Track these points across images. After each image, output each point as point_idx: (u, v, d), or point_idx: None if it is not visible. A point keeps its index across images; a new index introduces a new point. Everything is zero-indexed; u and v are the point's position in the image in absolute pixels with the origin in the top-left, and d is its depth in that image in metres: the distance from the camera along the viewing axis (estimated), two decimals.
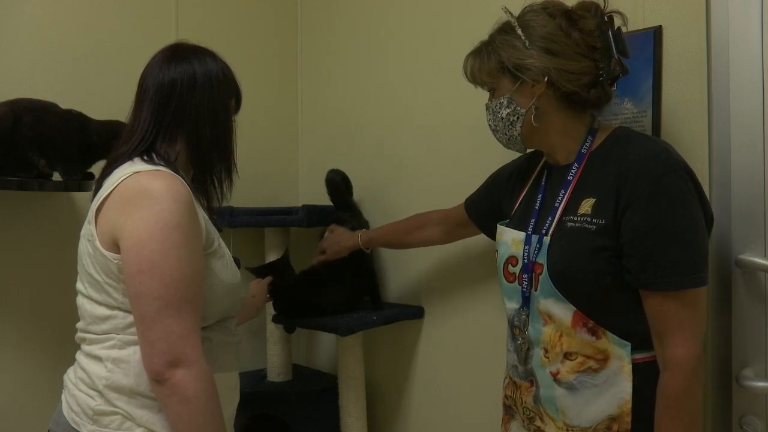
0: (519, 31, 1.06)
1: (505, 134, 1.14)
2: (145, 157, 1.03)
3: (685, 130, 1.23)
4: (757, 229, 1.15)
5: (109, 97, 1.53)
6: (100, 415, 0.97)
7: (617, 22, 1.09)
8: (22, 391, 1.52)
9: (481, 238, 1.60)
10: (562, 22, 1.05)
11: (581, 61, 1.05)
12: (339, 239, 1.65)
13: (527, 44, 1.05)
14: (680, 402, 0.97)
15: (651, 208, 0.97)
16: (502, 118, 1.12)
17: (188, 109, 1.06)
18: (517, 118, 1.10)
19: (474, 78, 1.15)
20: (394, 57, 1.85)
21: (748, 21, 1.15)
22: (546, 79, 1.05)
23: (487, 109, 1.16)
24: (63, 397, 1.05)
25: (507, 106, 1.10)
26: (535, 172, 1.22)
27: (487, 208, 1.38)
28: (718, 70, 1.19)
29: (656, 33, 1.26)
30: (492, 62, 1.09)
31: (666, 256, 0.97)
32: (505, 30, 1.09)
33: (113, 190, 0.97)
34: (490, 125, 1.17)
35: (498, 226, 1.22)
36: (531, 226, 1.12)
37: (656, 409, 0.99)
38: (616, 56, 1.07)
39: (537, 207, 1.15)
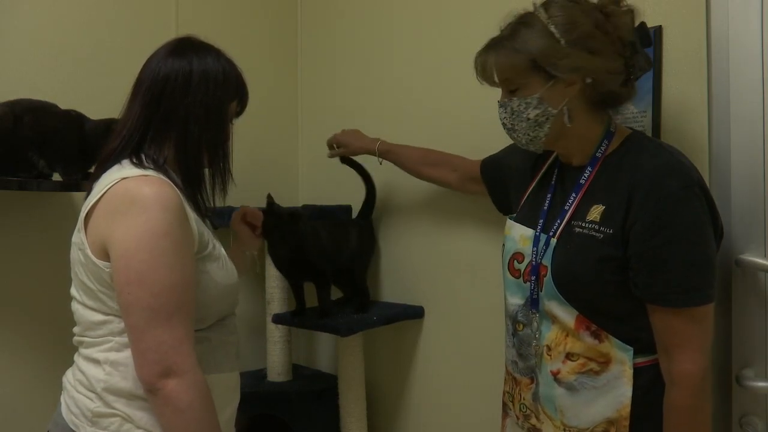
0: (552, 28, 0.99)
1: (528, 134, 1.07)
2: (134, 159, 1.00)
3: (685, 130, 1.23)
4: (757, 229, 1.15)
5: (109, 97, 1.52)
6: (99, 417, 0.96)
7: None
8: (21, 392, 1.52)
9: (480, 238, 1.60)
10: (597, 17, 1.00)
11: (617, 60, 1.01)
12: (356, 136, 1.67)
13: (563, 42, 0.99)
14: (691, 417, 0.97)
15: (662, 223, 0.96)
16: (528, 119, 1.05)
17: (179, 108, 1.02)
18: (547, 119, 1.04)
19: (497, 74, 1.05)
20: (395, 56, 1.84)
21: (748, 21, 1.15)
22: (589, 80, 1.00)
23: (504, 107, 1.08)
24: (62, 398, 1.05)
25: (536, 107, 1.03)
26: (545, 167, 1.19)
27: (499, 176, 1.35)
28: (718, 70, 1.19)
29: (656, 33, 1.25)
30: (520, 59, 1.01)
31: (675, 272, 0.96)
32: (531, 24, 1.01)
33: (101, 197, 0.95)
34: (505, 124, 1.10)
35: (507, 220, 1.21)
36: (540, 226, 1.11)
37: (665, 424, 0.99)
38: (641, 51, 1.04)
39: (546, 207, 1.13)
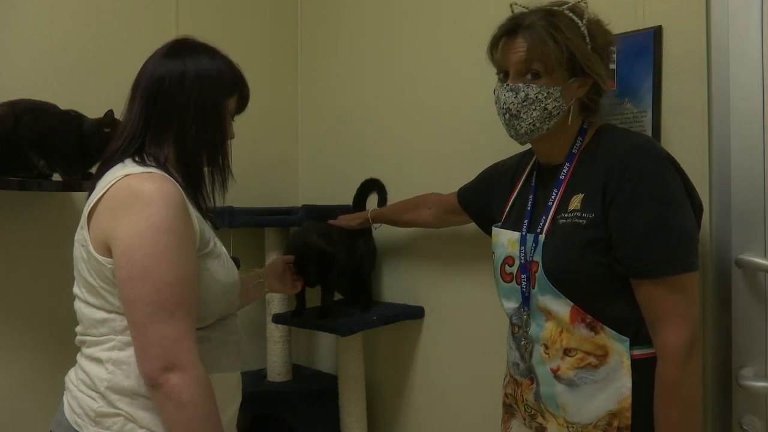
0: (585, 31, 1.05)
1: (534, 124, 1.08)
2: (137, 158, 1.01)
3: (685, 130, 1.23)
4: (757, 229, 1.15)
5: (109, 97, 1.53)
6: (102, 417, 0.96)
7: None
8: (22, 392, 1.52)
9: (481, 238, 1.60)
10: (609, 38, 1.10)
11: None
12: (351, 217, 1.72)
13: (589, 47, 1.05)
14: (674, 389, 0.98)
15: (636, 198, 0.99)
16: (545, 109, 1.06)
17: (175, 108, 1.03)
18: (558, 113, 1.08)
19: (526, 54, 1.06)
20: (395, 56, 1.85)
21: (748, 21, 1.15)
22: (606, 89, 1.09)
23: (515, 91, 1.08)
24: (64, 398, 1.05)
25: (556, 99, 1.06)
26: (524, 175, 1.23)
27: (478, 201, 1.40)
28: (718, 70, 1.20)
29: (656, 33, 1.26)
30: (559, 49, 1.04)
31: (653, 244, 0.98)
32: (565, 20, 1.05)
33: (104, 194, 0.96)
34: (510, 108, 1.09)
35: (493, 228, 1.23)
36: (525, 226, 1.13)
37: (654, 399, 1.00)
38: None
39: (529, 207, 1.15)
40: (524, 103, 1.07)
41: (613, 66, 1.20)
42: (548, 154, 1.15)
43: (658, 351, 0.99)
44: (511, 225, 1.19)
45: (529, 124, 1.08)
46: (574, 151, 1.11)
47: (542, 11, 1.07)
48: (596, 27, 1.08)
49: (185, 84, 1.03)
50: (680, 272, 0.97)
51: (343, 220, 1.70)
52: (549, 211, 1.09)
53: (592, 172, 1.06)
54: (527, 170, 1.23)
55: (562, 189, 1.09)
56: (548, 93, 1.06)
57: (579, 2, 1.09)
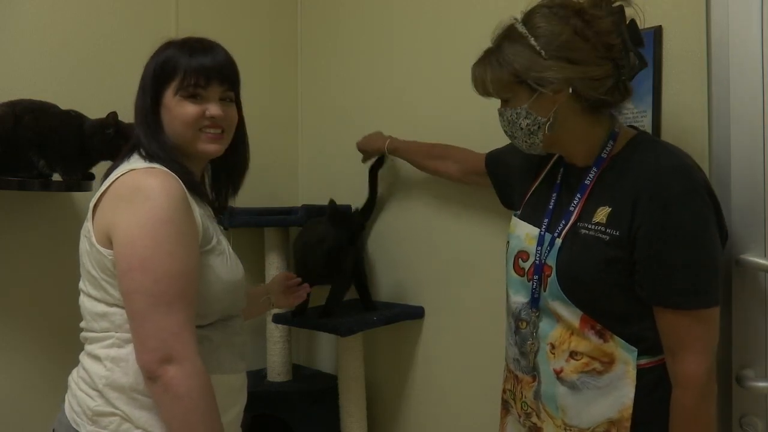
0: (532, 41, 1.00)
1: (526, 142, 1.09)
2: (143, 153, 1.04)
3: (685, 130, 1.23)
4: (757, 229, 1.15)
5: (109, 97, 1.53)
6: (99, 416, 0.97)
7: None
8: (23, 392, 1.52)
9: (482, 239, 1.60)
10: (577, 24, 0.99)
11: (603, 65, 0.99)
12: (372, 139, 1.76)
13: (543, 54, 0.99)
14: (692, 415, 0.98)
15: (667, 227, 0.96)
16: (522, 128, 1.07)
17: (137, 109, 1.08)
18: (538, 127, 1.05)
19: (485, 90, 1.08)
20: (395, 55, 1.84)
21: (748, 21, 1.15)
22: (570, 90, 1.00)
23: (501, 116, 1.10)
24: (66, 396, 1.06)
25: (526, 117, 1.05)
26: (549, 165, 1.20)
27: (500, 170, 1.38)
28: (718, 70, 1.19)
29: (656, 33, 1.25)
30: (505, 74, 1.03)
31: (681, 275, 0.96)
32: (513, 38, 1.02)
33: (109, 187, 0.98)
34: (506, 131, 1.12)
35: (512, 217, 1.22)
36: (545, 225, 1.11)
37: (670, 424, 1.00)
38: (633, 50, 1.03)
39: (551, 207, 1.13)
40: (509, 125, 1.09)
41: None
42: (570, 157, 1.13)
43: (675, 377, 0.99)
44: (530, 218, 1.16)
45: (523, 141, 1.10)
46: (603, 155, 1.07)
47: (500, 33, 1.06)
48: (553, 26, 0.99)
49: (141, 85, 1.08)
50: (706, 306, 0.97)
51: (361, 144, 1.76)
52: (569, 216, 1.07)
53: (622, 185, 1.02)
54: (552, 162, 1.19)
55: (585, 195, 1.06)
56: (517, 114, 1.06)
57: (536, 7, 1.04)
